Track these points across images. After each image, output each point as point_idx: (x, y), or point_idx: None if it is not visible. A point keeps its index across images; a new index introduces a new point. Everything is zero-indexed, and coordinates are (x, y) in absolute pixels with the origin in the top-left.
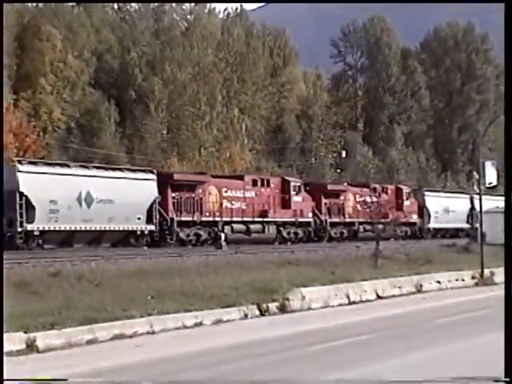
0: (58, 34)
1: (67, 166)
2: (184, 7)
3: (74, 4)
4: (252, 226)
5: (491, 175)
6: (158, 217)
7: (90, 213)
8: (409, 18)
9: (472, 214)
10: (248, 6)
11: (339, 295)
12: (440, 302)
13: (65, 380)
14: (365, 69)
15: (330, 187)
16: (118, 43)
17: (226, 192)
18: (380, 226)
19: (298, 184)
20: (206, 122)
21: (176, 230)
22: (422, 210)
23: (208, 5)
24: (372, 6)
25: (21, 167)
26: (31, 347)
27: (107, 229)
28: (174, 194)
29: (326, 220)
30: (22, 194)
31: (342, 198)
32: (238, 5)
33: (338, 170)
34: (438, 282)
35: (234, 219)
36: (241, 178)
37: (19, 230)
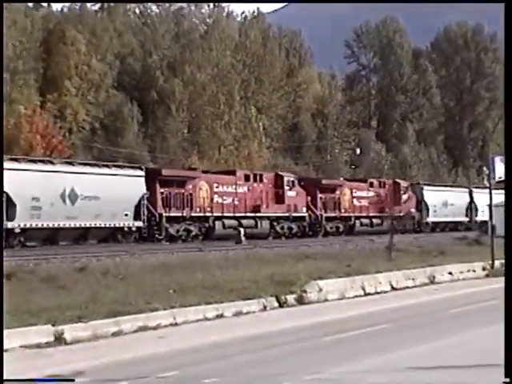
0: (82, 39)
1: (51, 162)
2: (203, 11)
3: (97, 9)
4: (244, 221)
5: (500, 170)
6: (146, 213)
7: (74, 210)
8: (419, 18)
9: (471, 208)
10: (265, 9)
11: (355, 287)
12: (452, 293)
13: (72, 380)
14: (378, 68)
15: (324, 182)
16: (140, 47)
17: (217, 187)
18: (395, 221)
19: (292, 179)
20: (225, 121)
21: (165, 226)
22: (421, 204)
23: (226, 8)
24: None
25: None
26: (59, 339)
27: (93, 226)
28: (162, 190)
29: (321, 215)
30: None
31: (337, 192)
32: (255, 8)
33: (353, 167)
34: (450, 273)
35: (226, 214)
36: (233, 173)
37: None
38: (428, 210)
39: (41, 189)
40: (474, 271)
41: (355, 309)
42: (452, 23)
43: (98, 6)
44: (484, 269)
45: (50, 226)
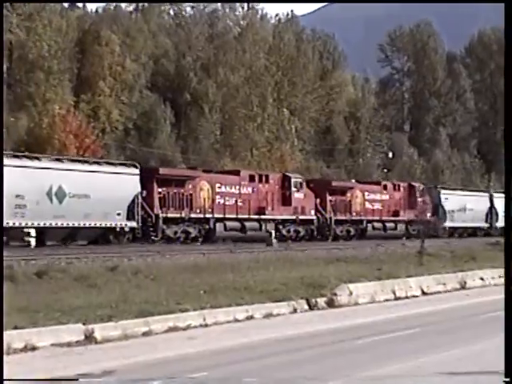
0: (116, 39)
1: (37, 159)
2: (237, 13)
3: (131, 10)
4: (247, 224)
5: None
6: (141, 213)
7: (61, 208)
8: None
9: (491, 213)
10: (298, 12)
11: (385, 291)
12: (483, 298)
13: (75, 380)
14: (411, 72)
15: (335, 184)
16: (174, 48)
17: (219, 188)
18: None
19: (300, 180)
20: (258, 123)
21: (161, 227)
22: (437, 208)
23: (260, 10)
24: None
25: None
26: (89, 338)
27: (82, 225)
28: (160, 190)
29: (330, 218)
30: None
31: (348, 195)
32: (289, 10)
33: (385, 171)
34: (482, 278)
35: (228, 216)
36: (237, 173)
37: None
38: (445, 214)
39: (25, 186)
40: None
41: (386, 313)
42: (486, 28)
43: (132, 6)
44: None
45: (35, 225)
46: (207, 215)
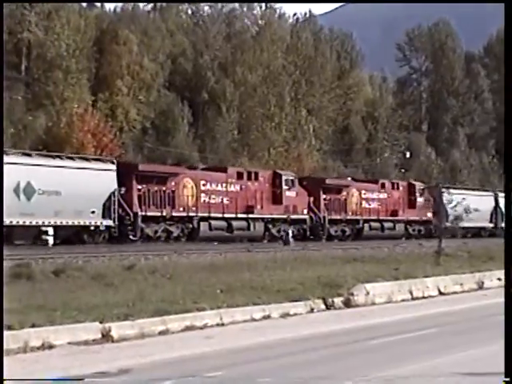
0: (134, 38)
1: (4, 153)
2: (255, 12)
3: (149, 9)
4: (234, 223)
5: None
6: (118, 211)
7: (30, 206)
8: (472, 22)
9: (496, 213)
10: (316, 11)
11: (402, 291)
12: (501, 299)
13: (81, 380)
14: (429, 72)
15: (329, 181)
16: (192, 47)
17: (204, 185)
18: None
19: (291, 178)
20: (275, 122)
21: (140, 226)
22: (439, 208)
23: (278, 10)
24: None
25: None
26: (106, 337)
27: (53, 224)
28: (140, 187)
29: (324, 217)
30: None
31: (344, 193)
32: (306, 10)
33: (402, 170)
34: (499, 279)
35: (213, 215)
36: (224, 170)
37: None
38: (447, 214)
39: None
40: None
41: (402, 312)
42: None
43: (150, 6)
44: None
45: None
46: (191, 214)
